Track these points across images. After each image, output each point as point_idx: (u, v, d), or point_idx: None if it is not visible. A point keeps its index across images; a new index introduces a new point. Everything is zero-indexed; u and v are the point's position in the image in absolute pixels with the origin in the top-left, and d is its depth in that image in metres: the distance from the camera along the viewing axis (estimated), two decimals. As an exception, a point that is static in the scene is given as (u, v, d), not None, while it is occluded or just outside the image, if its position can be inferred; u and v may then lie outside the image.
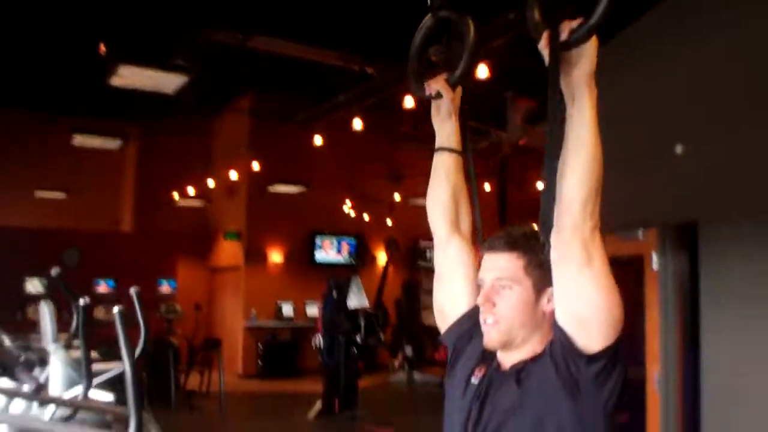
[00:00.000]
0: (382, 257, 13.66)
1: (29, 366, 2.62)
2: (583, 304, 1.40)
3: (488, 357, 1.59)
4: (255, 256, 12.76)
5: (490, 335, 1.54)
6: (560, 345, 1.44)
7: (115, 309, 1.97)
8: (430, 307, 12.25)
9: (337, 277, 9.53)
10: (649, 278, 4.95)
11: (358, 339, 8.99)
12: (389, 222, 13.09)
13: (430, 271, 11.57)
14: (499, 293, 1.54)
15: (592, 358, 1.39)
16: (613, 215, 5.10)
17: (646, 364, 4.96)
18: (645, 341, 4.99)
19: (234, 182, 11.76)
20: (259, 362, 12.70)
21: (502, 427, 1.48)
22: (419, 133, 8.82)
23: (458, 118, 1.82)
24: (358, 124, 9.01)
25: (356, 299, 8.95)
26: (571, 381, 1.41)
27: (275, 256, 13.05)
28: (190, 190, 12.07)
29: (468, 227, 1.80)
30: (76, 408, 2.30)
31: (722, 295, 4.22)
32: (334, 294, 9.12)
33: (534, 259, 1.54)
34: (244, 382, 12.05)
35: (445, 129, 1.82)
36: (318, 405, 9.06)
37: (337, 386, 8.93)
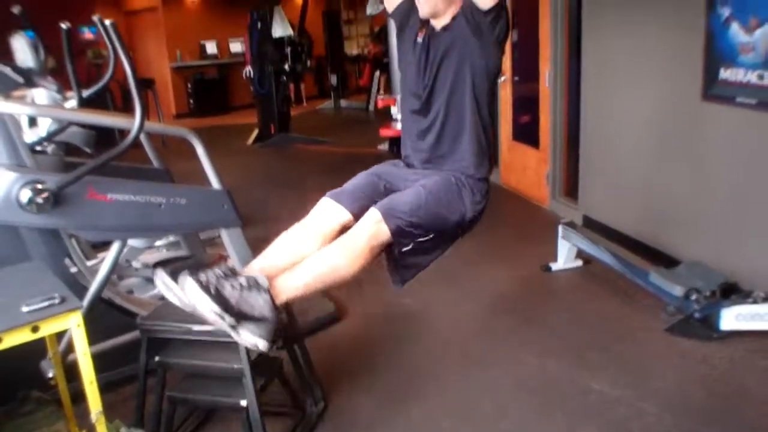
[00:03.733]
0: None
1: (45, 76, 3.16)
2: None
3: (425, 25, 2.39)
4: (171, -6, 12.64)
5: (424, 8, 2.32)
6: (468, 7, 2.24)
7: (108, 21, 2.50)
8: (351, 38, 12.89)
9: (260, 8, 9.67)
10: (543, -10, 5.57)
11: (286, 66, 9.53)
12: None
13: (349, 1, 11.95)
14: None
15: (487, 12, 2.20)
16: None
17: (540, 65, 5.76)
18: (539, 48, 5.74)
19: None
20: (191, 101, 13.17)
21: (443, 59, 2.31)
22: None
23: None
24: None
25: (280, 28, 9.28)
26: (476, 27, 2.23)
27: (192, -6, 12.95)
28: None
29: None
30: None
31: (599, 2, 4.91)
32: (259, 25, 9.40)
33: None
34: (179, 121, 12.54)
35: None
36: (255, 131, 9.84)
37: (271, 112, 9.64)
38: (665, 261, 4.15)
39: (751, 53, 3.53)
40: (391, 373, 3.30)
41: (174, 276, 1.94)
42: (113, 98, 9.33)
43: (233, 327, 1.92)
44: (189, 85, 13.05)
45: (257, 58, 9.57)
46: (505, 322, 3.79)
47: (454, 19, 2.30)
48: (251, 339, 1.96)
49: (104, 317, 3.01)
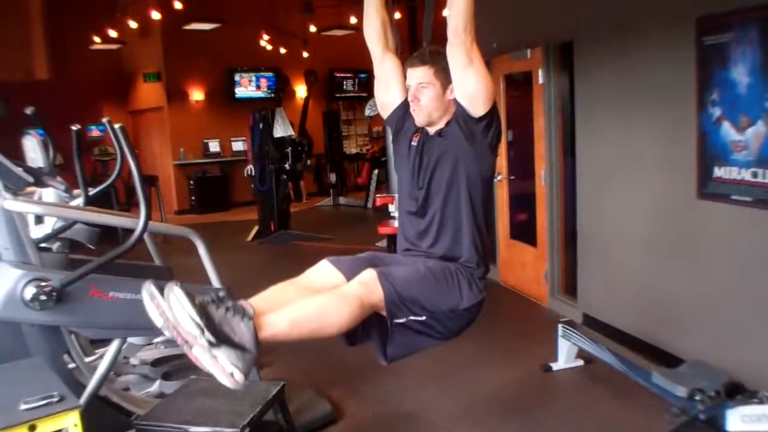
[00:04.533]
0: (300, 90, 14.11)
1: (53, 175, 3.25)
2: (471, 87, 2.26)
3: (420, 129, 2.46)
4: (177, 96, 12.96)
5: (419, 117, 2.40)
6: (461, 114, 2.32)
7: (117, 125, 2.58)
8: (350, 137, 13.20)
9: (262, 109, 9.99)
10: (536, 91, 5.77)
11: (287, 166, 9.75)
12: (305, 54, 13.41)
13: (348, 101, 12.45)
14: (421, 92, 2.37)
15: (480, 119, 2.29)
16: (508, 38, 5.87)
17: (535, 163, 5.90)
18: (534, 147, 5.89)
19: (148, 23, 11.67)
20: (192, 198, 13.34)
21: (437, 164, 2.37)
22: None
23: None
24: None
25: (281, 129, 9.55)
26: (469, 133, 2.32)
27: (196, 95, 13.30)
28: (110, 33, 11.93)
29: (394, 46, 2.56)
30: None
31: (591, 102, 5.07)
32: (261, 125, 9.67)
33: (440, 67, 2.33)
34: (180, 218, 12.66)
35: None
36: (255, 228, 9.93)
37: (271, 209, 9.77)
38: (667, 359, 4.11)
39: (743, 151, 3.62)
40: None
41: (161, 288, 1.86)
42: (117, 194, 9.48)
43: (211, 345, 1.80)
44: (191, 182, 13.24)
45: (258, 156, 9.79)
46: (507, 426, 3.73)
47: (447, 124, 2.38)
48: (228, 365, 1.82)
49: (99, 415, 2.96)
